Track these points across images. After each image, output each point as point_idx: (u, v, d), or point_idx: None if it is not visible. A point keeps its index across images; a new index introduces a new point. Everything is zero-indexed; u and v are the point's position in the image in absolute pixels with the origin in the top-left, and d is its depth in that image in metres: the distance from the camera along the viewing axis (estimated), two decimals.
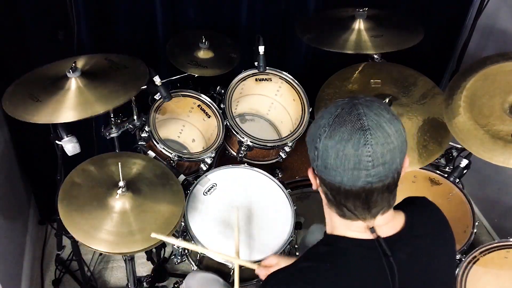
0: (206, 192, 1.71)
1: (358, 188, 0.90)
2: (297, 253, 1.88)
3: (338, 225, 1.00)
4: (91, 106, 1.44)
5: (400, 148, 0.90)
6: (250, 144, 1.84)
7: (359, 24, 1.78)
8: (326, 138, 0.90)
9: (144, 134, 1.78)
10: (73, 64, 1.48)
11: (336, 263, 0.97)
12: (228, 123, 1.85)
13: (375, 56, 1.91)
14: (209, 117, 1.94)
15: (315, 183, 0.99)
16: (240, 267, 1.40)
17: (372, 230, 0.95)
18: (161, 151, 1.77)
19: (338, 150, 0.88)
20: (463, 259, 1.64)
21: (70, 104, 1.44)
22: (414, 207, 1.06)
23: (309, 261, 1.00)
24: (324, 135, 0.90)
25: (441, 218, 1.10)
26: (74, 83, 1.48)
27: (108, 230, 1.39)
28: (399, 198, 1.00)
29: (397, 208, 1.02)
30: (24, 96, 1.44)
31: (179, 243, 1.52)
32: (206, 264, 1.66)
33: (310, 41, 1.78)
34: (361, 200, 0.92)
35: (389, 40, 1.77)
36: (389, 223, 0.98)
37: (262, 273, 1.42)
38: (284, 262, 1.39)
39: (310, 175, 1.00)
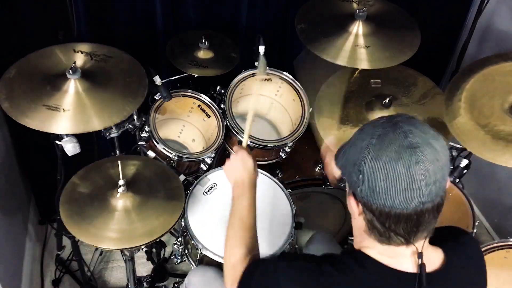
0: (206, 192, 1.71)
1: (410, 211, 0.86)
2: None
3: (375, 248, 0.95)
4: (87, 121, 1.42)
5: (447, 165, 0.88)
6: (250, 144, 1.84)
7: (358, 28, 1.74)
8: (372, 160, 0.85)
9: (144, 134, 1.78)
10: (73, 64, 1.48)
11: (356, 280, 0.93)
12: (228, 123, 1.86)
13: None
14: (209, 117, 1.94)
15: (357, 210, 0.93)
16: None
17: (420, 255, 0.90)
18: (161, 151, 1.76)
19: (388, 171, 0.84)
20: None
21: (68, 115, 1.42)
22: (454, 244, 1.01)
23: (333, 267, 0.94)
24: (369, 156, 0.86)
25: (479, 257, 1.05)
26: (73, 85, 1.47)
27: (111, 228, 1.42)
28: None
29: (435, 239, 0.97)
30: (22, 96, 1.42)
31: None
32: (206, 263, 1.66)
33: (301, 33, 1.74)
34: (412, 223, 0.87)
35: (383, 55, 1.72)
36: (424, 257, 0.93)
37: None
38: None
39: (352, 202, 0.94)
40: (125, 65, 1.62)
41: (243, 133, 1.85)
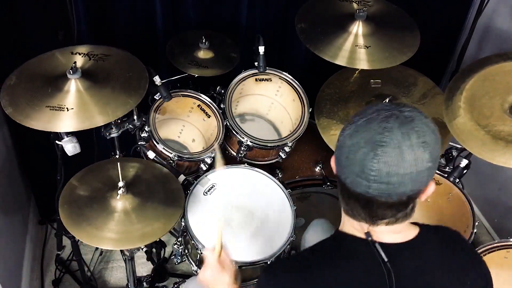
0: (206, 192, 1.71)
1: (358, 193, 0.90)
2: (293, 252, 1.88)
3: (346, 222, 1.01)
4: (91, 117, 1.44)
5: (413, 177, 0.86)
6: (250, 144, 1.84)
7: (358, 28, 1.74)
8: (347, 136, 0.90)
9: (144, 134, 1.78)
10: (73, 65, 1.48)
11: (338, 259, 0.98)
12: (228, 123, 1.85)
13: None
14: (209, 117, 1.94)
15: (334, 170, 0.99)
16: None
17: (368, 235, 0.95)
18: (161, 151, 1.76)
19: (350, 152, 0.89)
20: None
21: (70, 113, 1.43)
22: (436, 230, 1.04)
23: (314, 252, 1.02)
24: (347, 132, 0.91)
25: (470, 251, 1.08)
26: (74, 85, 1.48)
27: (110, 228, 1.42)
28: None
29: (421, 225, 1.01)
30: (25, 100, 1.44)
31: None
32: None
33: (301, 32, 1.75)
34: (360, 204, 0.93)
35: (382, 55, 1.72)
36: (398, 234, 0.97)
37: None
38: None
39: (332, 161, 0.99)
40: (124, 61, 1.63)
41: (243, 133, 1.85)
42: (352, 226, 0.99)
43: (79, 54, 1.59)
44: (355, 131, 0.89)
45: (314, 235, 1.73)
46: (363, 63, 1.69)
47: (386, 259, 0.93)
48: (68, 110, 1.43)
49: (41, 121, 1.39)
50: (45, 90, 1.46)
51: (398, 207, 0.91)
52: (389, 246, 0.95)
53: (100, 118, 1.44)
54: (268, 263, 1.10)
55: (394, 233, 0.97)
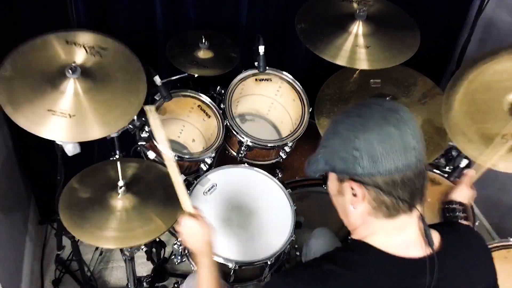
0: (206, 192, 1.71)
1: (413, 169, 0.88)
2: (297, 253, 1.88)
3: (374, 230, 0.96)
4: (91, 128, 1.42)
5: (422, 136, 0.91)
6: (250, 144, 1.84)
7: (358, 28, 1.74)
8: (364, 132, 0.88)
9: (144, 134, 1.77)
10: (73, 64, 1.48)
11: (362, 274, 0.93)
12: (228, 123, 1.85)
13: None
14: (209, 117, 1.94)
15: (361, 194, 0.92)
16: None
17: (421, 217, 0.94)
18: (161, 151, 1.76)
19: (382, 134, 0.87)
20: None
21: (71, 121, 1.41)
22: (453, 231, 1.04)
23: (334, 264, 0.94)
24: (360, 131, 0.88)
25: (483, 247, 1.08)
26: (72, 85, 1.46)
27: (110, 228, 1.42)
28: None
29: (435, 227, 1.01)
30: (25, 100, 1.40)
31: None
32: None
33: (301, 32, 1.75)
34: (414, 185, 0.90)
35: (382, 55, 1.72)
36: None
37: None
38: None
39: (354, 185, 0.92)
40: (121, 57, 1.60)
41: (243, 133, 1.85)
42: (385, 233, 0.95)
43: (75, 45, 1.53)
44: (365, 124, 0.89)
45: (319, 242, 1.71)
46: (363, 63, 1.69)
47: (436, 269, 0.91)
48: (70, 117, 1.41)
49: (40, 126, 1.38)
50: (45, 89, 1.44)
51: (424, 176, 0.92)
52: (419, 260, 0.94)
53: (100, 130, 1.43)
54: (285, 269, 1.07)
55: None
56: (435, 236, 0.98)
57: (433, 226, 1.01)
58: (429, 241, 0.94)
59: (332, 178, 0.98)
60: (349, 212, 0.98)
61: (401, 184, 0.89)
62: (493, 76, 1.59)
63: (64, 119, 1.40)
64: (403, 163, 0.87)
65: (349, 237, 1.03)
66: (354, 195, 0.94)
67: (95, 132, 1.42)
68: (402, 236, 0.95)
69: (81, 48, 1.54)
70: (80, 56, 1.53)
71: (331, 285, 0.92)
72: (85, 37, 1.56)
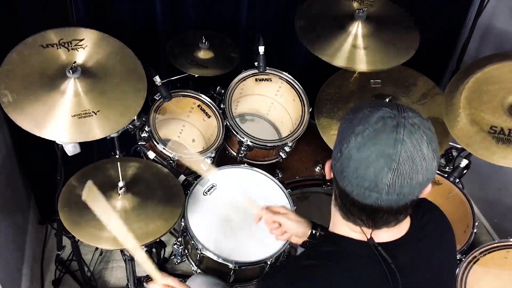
0: (206, 192, 1.71)
1: (365, 204, 0.88)
2: (297, 253, 1.88)
3: (341, 224, 0.99)
4: (88, 131, 1.41)
5: (422, 184, 0.87)
6: (250, 144, 1.84)
7: (357, 28, 1.74)
8: (353, 149, 0.85)
9: (144, 134, 1.78)
10: (73, 64, 1.47)
11: (339, 263, 0.96)
12: (228, 123, 1.85)
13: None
14: (209, 117, 1.94)
15: (329, 175, 0.97)
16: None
17: (371, 240, 0.94)
18: (161, 151, 1.76)
19: (359, 167, 0.85)
20: (463, 259, 1.64)
21: (66, 122, 1.40)
22: (416, 210, 1.03)
23: (311, 259, 0.98)
24: (353, 143, 0.85)
25: (443, 220, 1.09)
26: (72, 84, 1.45)
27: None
28: None
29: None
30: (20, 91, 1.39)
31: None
32: (205, 265, 1.66)
33: (300, 30, 1.74)
34: (365, 213, 0.91)
35: (382, 56, 1.72)
36: (394, 229, 0.96)
37: (265, 216, 1.37)
38: (294, 215, 1.35)
39: (327, 167, 0.97)
40: (120, 54, 1.59)
41: (243, 133, 1.85)
42: (349, 228, 0.97)
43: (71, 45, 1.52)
44: (363, 144, 0.84)
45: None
46: (362, 64, 1.69)
47: (390, 261, 0.93)
48: (72, 117, 1.41)
49: (42, 127, 1.38)
50: (45, 90, 1.43)
51: (402, 211, 0.91)
52: (387, 244, 0.95)
53: (101, 130, 1.43)
54: (264, 274, 1.06)
55: (391, 229, 0.96)
56: (406, 221, 0.99)
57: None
58: (384, 261, 0.94)
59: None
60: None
61: (351, 201, 0.90)
62: (503, 74, 1.60)
63: (66, 120, 1.40)
64: (359, 195, 0.88)
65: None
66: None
67: (97, 132, 1.42)
68: (357, 234, 0.97)
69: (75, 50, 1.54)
70: (80, 56, 1.53)
71: (314, 279, 0.94)
72: (85, 35, 1.56)
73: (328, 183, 1.95)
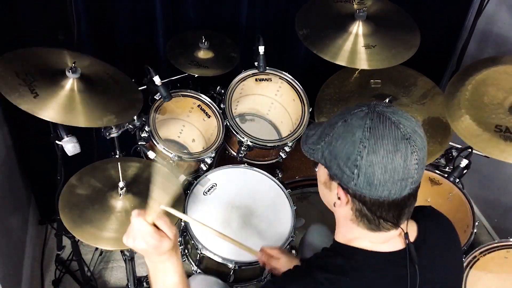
0: (206, 192, 1.71)
1: (403, 197, 0.88)
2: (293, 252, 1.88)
3: (358, 236, 0.96)
4: (76, 116, 1.42)
5: (425, 159, 0.90)
6: (250, 144, 1.84)
7: (358, 28, 1.74)
8: (369, 154, 0.85)
9: (144, 134, 1.78)
10: (73, 64, 1.48)
11: (355, 277, 0.94)
12: (228, 123, 1.85)
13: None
14: (209, 117, 1.94)
15: (345, 199, 0.92)
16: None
17: (406, 235, 0.94)
18: (161, 151, 1.76)
19: (387, 164, 0.84)
20: (463, 259, 1.64)
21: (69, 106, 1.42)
22: (422, 216, 1.04)
23: (326, 272, 0.94)
24: (366, 151, 0.85)
25: (449, 226, 1.09)
26: (70, 84, 1.47)
27: (110, 228, 1.42)
28: None
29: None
30: (18, 79, 1.39)
31: (187, 218, 1.40)
32: (205, 265, 1.66)
33: (304, 38, 1.75)
34: (401, 208, 0.90)
35: (383, 55, 1.71)
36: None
37: (262, 259, 1.42)
38: (286, 259, 1.39)
39: (340, 192, 0.92)
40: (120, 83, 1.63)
41: (243, 133, 1.85)
42: (373, 241, 0.95)
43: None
44: (373, 145, 0.84)
45: (314, 239, 1.72)
46: (363, 63, 1.69)
47: (417, 261, 0.93)
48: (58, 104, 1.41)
49: (27, 103, 1.36)
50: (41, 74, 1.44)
51: (415, 196, 0.91)
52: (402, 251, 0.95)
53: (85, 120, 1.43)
54: (274, 279, 1.04)
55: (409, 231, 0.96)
56: (412, 226, 1.00)
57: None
58: (411, 258, 0.94)
59: (323, 172, 0.97)
60: (332, 207, 1.00)
61: (387, 206, 0.89)
62: (503, 75, 1.61)
63: (61, 104, 1.41)
64: (397, 191, 0.87)
65: (333, 238, 1.03)
66: (339, 198, 0.94)
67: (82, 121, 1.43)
68: (385, 245, 0.96)
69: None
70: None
71: None
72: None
73: None
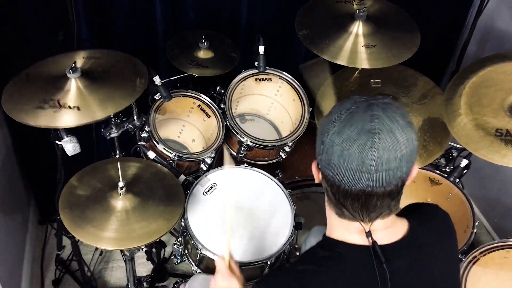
0: (206, 192, 1.71)
1: (357, 190, 0.89)
2: (297, 253, 1.88)
3: (337, 226, 0.99)
4: (92, 111, 1.45)
5: (407, 157, 0.88)
6: (250, 144, 1.84)
7: (358, 28, 1.74)
8: (334, 134, 0.88)
9: (144, 134, 1.78)
10: (73, 64, 1.48)
11: (333, 268, 0.96)
12: (228, 123, 1.86)
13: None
14: (209, 117, 1.94)
15: (317, 176, 0.98)
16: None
17: (368, 234, 0.94)
18: (161, 151, 1.76)
19: (343, 149, 0.86)
20: (463, 259, 1.64)
21: (72, 111, 1.43)
22: (419, 215, 1.04)
23: (307, 264, 0.99)
24: (333, 130, 0.88)
25: (447, 226, 1.08)
26: (74, 84, 1.48)
27: (110, 228, 1.42)
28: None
29: (402, 214, 1.00)
30: (24, 97, 1.44)
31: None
32: (205, 265, 1.66)
33: (304, 38, 1.76)
34: (360, 202, 0.91)
35: (383, 55, 1.71)
36: (389, 229, 0.97)
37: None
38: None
39: (314, 168, 0.98)
40: (120, 61, 1.64)
41: (243, 133, 1.85)
42: (345, 229, 0.97)
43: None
44: (341, 127, 0.87)
45: (317, 240, 1.72)
46: (363, 63, 1.69)
47: (383, 260, 0.93)
48: (71, 108, 1.44)
49: (43, 119, 1.40)
50: (47, 90, 1.47)
51: (393, 195, 0.91)
52: (382, 247, 0.95)
53: (99, 111, 1.46)
54: (260, 278, 1.08)
55: (386, 229, 0.96)
56: (403, 225, 1.00)
57: (405, 215, 1.02)
58: (375, 258, 0.94)
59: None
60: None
61: (343, 193, 0.91)
62: (500, 75, 1.61)
63: (71, 111, 1.44)
64: (349, 180, 0.88)
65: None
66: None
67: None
68: (359, 237, 0.96)
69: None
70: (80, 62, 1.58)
71: (309, 284, 0.95)
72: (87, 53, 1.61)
73: None
